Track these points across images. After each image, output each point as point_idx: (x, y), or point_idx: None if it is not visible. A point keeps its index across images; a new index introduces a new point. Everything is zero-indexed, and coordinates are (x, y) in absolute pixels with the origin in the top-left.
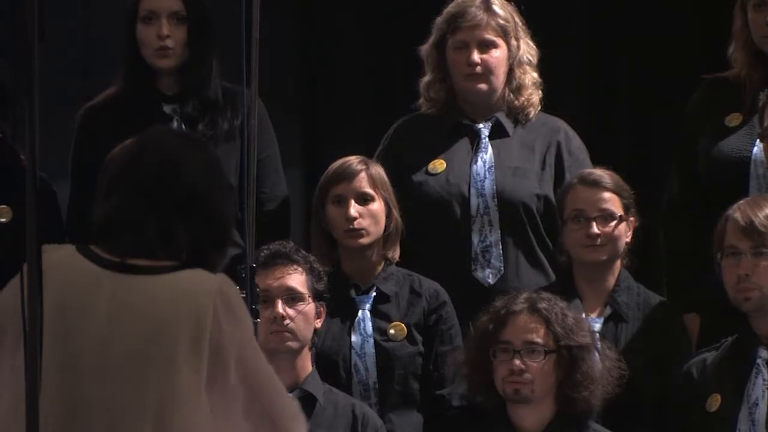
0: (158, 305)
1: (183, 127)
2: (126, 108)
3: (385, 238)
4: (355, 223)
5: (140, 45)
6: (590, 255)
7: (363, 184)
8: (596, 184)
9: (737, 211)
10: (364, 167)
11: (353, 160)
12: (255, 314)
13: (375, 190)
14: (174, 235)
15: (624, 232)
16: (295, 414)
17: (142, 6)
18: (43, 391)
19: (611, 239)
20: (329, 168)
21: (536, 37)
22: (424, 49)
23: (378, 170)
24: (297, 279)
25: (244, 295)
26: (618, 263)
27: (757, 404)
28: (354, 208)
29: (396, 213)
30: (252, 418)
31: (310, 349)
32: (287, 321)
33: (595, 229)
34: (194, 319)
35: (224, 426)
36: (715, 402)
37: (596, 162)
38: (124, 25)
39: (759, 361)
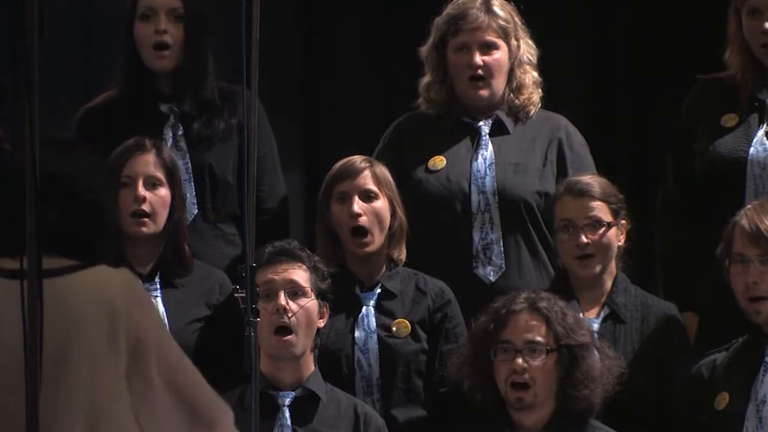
0: (69, 306)
1: (180, 126)
2: (123, 108)
3: (390, 237)
4: (360, 220)
5: (138, 45)
6: (583, 271)
7: (367, 181)
8: (583, 194)
9: (744, 218)
10: (368, 165)
11: (357, 159)
12: (255, 314)
13: (379, 188)
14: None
15: (615, 238)
16: (223, 406)
17: (141, 3)
18: None
19: (601, 247)
20: (333, 167)
21: (536, 36)
22: (424, 50)
23: (382, 169)
24: (300, 274)
25: (243, 294)
26: (614, 266)
27: (765, 402)
28: (357, 205)
29: (401, 212)
30: (179, 415)
31: (313, 350)
32: (289, 313)
33: (584, 239)
34: (108, 314)
35: (151, 423)
36: (723, 400)
37: (596, 161)
38: (122, 26)
39: (767, 359)
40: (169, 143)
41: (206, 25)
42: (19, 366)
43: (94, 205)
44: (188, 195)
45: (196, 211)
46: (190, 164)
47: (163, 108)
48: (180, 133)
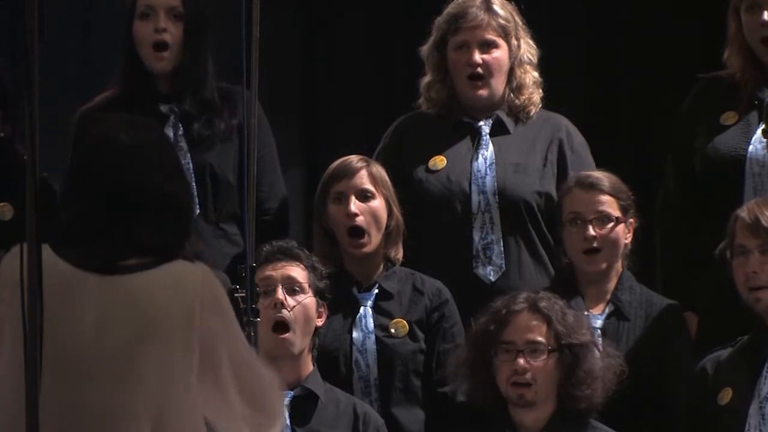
0: (145, 304)
1: (180, 126)
2: (123, 109)
3: (386, 237)
4: (357, 220)
5: (137, 44)
6: (589, 265)
7: (363, 180)
8: (593, 187)
9: (745, 210)
10: (364, 164)
11: (353, 158)
12: (255, 314)
13: (375, 188)
14: (133, 234)
15: (622, 234)
16: (280, 392)
17: (140, 2)
18: (14, 395)
19: (608, 242)
20: (330, 167)
21: (535, 36)
22: (425, 49)
23: (378, 169)
24: (298, 272)
25: (243, 294)
26: (619, 264)
27: None
28: (354, 205)
29: (397, 212)
30: (245, 410)
31: (311, 350)
32: (287, 308)
33: (592, 231)
34: (183, 314)
35: (225, 417)
36: (726, 395)
37: (596, 161)
38: (122, 26)
39: None
40: None
41: (206, 25)
42: (91, 356)
43: (181, 211)
44: None
45: (198, 211)
46: (191, 164)
47: (163, 108)
48: (180, 133)
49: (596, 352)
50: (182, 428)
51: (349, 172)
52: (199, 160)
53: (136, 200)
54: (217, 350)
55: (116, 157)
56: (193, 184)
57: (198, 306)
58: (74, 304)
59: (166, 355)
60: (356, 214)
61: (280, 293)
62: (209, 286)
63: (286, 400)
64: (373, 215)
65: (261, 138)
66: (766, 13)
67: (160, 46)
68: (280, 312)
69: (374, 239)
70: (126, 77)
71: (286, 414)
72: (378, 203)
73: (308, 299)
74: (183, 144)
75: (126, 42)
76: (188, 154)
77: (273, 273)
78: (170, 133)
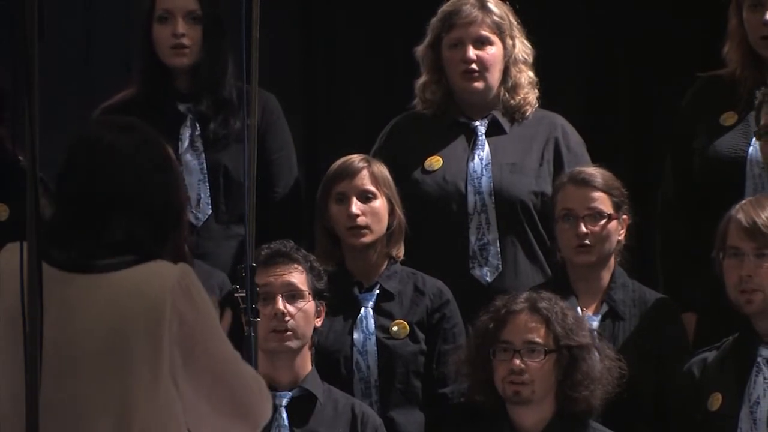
0: (115, 303)
1: (197, 126)
2: (141, 108)
3: (389, 236)
4: (358, 220)
5: (155, 45)
6: (579, 258)
7: (365, 181)
8: (586, 183)
9: (740, 212)
10: (366, 165)
11: (355, 158)
12: (255, 313)
13: (377, 188)
14: (111, 236)
15: (615, 231)
16: (261, 394)
17: (158, 6)
18: (4, 393)
19: (600, 239)
20: (331, 166)
21: (535, 35)
22: (420, 50)
23: (380, 168)
24: (297, 277)
25: (243, 294)
26: (612, 261)
27: (759, 403)
28: (356, 206)
29: (399, 211)
30: (218, 404)
31: (310, 348)
32: (287, 318)
33: (583, 228)
34: (151, 315)
35: (195, 416)
36: (716, 401)
37: (595, 160)
38: (140, 27)
39: (759, 359)
40: (186, 143)
41: (224, 26)
42: (60, 354)
43: (163, 214)
44: (202, 195)
45: (210, 211)
46: (205, 164)
47: (182, 108)
48: (197, 133)
49: (596, 354)
50: (149, 424)
51: (351, 173)
52: (214, 160)
53: (108, 202)
54: (195, 350)
55: (91, 159)
56: (206, 185)
57: (168, 308)
58: (46, 302)
59: (132, 351)
60: (357, 215)
61: (280, 303)
62: (185, 287)
63: (284, 401)
64: (375, 215)
65: (278, 138)
66: None
67: (180, 47)
68: (282, 322)
69: (375, 234)
70: (144, 76)
71: (285, 415)
72: (379, 203)
73: (308, 304)
74: (199, 144)
75: (144, 44)
76: (203, 155)
77: (272, 280)
78: (187, 132)
